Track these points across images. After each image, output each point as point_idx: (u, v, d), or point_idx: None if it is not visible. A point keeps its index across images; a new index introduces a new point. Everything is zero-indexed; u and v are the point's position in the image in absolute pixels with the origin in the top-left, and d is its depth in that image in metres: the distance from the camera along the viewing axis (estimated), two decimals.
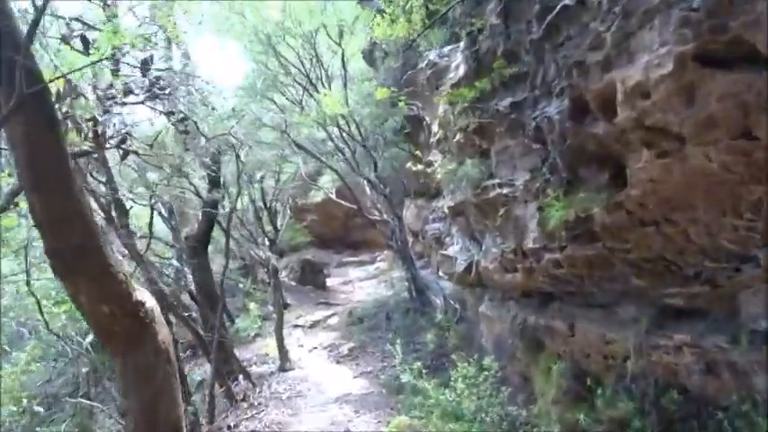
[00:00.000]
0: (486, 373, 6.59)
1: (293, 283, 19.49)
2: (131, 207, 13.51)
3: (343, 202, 12.93)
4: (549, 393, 5.77)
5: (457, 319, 9.33)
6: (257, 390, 9.88)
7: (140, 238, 13.38)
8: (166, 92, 6.11)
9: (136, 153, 6.48)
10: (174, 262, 12.85)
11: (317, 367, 11.62)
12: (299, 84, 11.03)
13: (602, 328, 5.22)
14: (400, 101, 7.10)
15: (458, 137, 5.86)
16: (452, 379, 7.53)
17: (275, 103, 11.19)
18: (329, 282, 20.65)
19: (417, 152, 7.59)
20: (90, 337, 10.84)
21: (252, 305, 14.44)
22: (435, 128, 6.58)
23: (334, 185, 14.23)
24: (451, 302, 9.70)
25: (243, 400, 9.36)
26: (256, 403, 9.21)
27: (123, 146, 5.99)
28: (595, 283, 4.94)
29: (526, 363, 6.13)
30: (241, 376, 10.13)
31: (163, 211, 12.57)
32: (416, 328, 11.80)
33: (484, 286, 6.51)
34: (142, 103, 5.85)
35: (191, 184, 9.49)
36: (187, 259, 11.22)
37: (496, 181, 5.41)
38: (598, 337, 5.23)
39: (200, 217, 10.99)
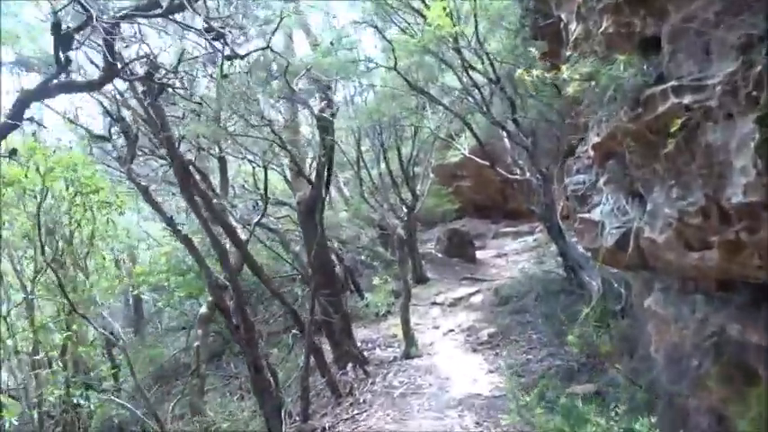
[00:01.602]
0: None
1: (439, 255, 17.77)
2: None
3: (475, 158, 10.77)
4: None
5: (621, 312, 6.82)
6: (369, 381, 8.37)
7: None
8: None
9: (170, 86, 5.10)
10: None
11: (447, 355, 9.82)
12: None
13: None
14: None
15: (605, 23, 3.55)
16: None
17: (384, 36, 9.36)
18: (481, 254, 18.57)
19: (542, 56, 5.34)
20: (203, 309, 10.25)
21: (377, 279, 13.01)
22: (573, 24, 4.25)
23: (468, 143, 12.06)
24: (615, 286, 7.20)
25: (349, 393, 7.93)
26: (362, 400, 7.70)
27: (152, 77, 4.67)
28: None
29: (722, 397, 3.70)
30: (350, 365, 8.69)
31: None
32: (569, 315, 9.41)
33: (649, 269, 4.13)
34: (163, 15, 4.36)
35: (273, 132, 8.00)
36: (300, 226, 10.05)
37: (671, 84, 3.04)
38: None
39: (317, 177, 9.61)
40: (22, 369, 8.00)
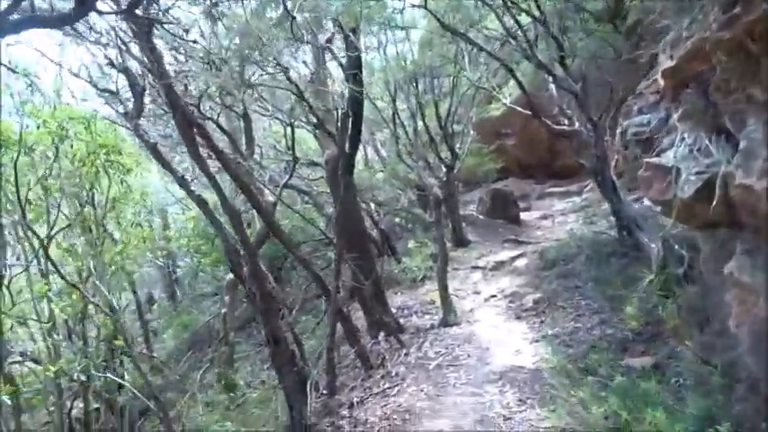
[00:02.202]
0: None
1: (480, 217, 16.94)
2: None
3: (519, 108, 9.77)
4: None
5: (685, 278, 5.89)
6: (403, 352, 7.77)
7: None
8: None
9: (158, 22, 4.44)
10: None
11: (488, 323, 9.14)
12: None
13: None
14: None
15: None
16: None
17: None
18: (526, 216, 17.64)
19: None
20: (230, 275, 9.83)
21: (412, 243, 12.34)
22: None
23: (511, 93, 10.99)
24: (677, 249, 6.26)
25: (381, 365, 7.36)
26: (394, 372, 7.11)
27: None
28: None
29: None
30: (383, 333, 8.09)
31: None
32: (623, 281, 8.55)
33: (736, 226, 3.29)
34: None
35: (289, 80, 7.20)
36: (329, 187, 9.42)
37: None
38: None
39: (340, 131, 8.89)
40: (36, 339, 7.77)
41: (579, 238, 12.17)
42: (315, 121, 7.13)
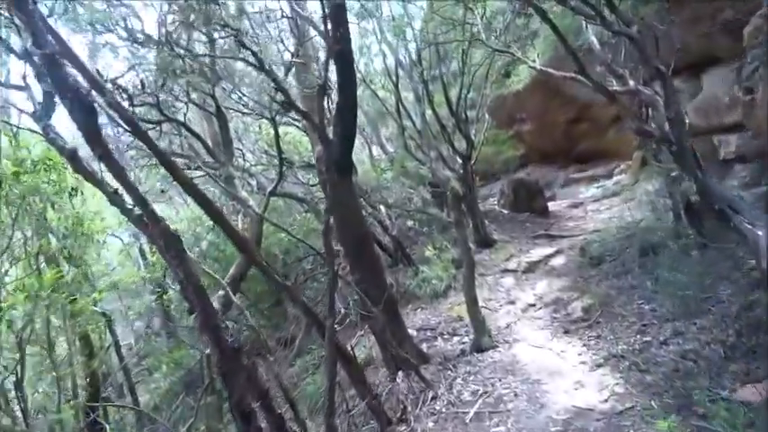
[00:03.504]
0: None
1: (504, 211, 15.17)
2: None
3: (552, 71, 7.95)
4: None
5: None
6: (429, 395, 6.06)
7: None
8: None
9: None
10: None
11: (531, 342, 7.43)
12: None
13: None
14: None
15: None
16: None
17: None
18: (552, 206, 15.86)
19: None
20: None
21: (429, 250, 10.60)
22: None
23: (535, 60, 9.16)
24: None
25: (401, 419, 5.63)
26: (419, 430, 5.38)
27: None
28: None
29: None
30: (401, 372, 6.35)
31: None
32: (696, 278, 6.81)
33: None
34: None
35: (242, 45, 5.43)
36: (326, 191, 7.75)
37: None
38: None
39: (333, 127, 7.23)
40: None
41: (625, 228, 10.42)
42: (287, 105, 5.40)
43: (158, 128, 8.43)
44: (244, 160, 10.66)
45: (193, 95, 8.80)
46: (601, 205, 14.86)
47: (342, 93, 6.67)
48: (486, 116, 13.99)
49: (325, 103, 6.09)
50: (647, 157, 9.34)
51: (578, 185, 18.96)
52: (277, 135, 7.95)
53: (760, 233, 4.38)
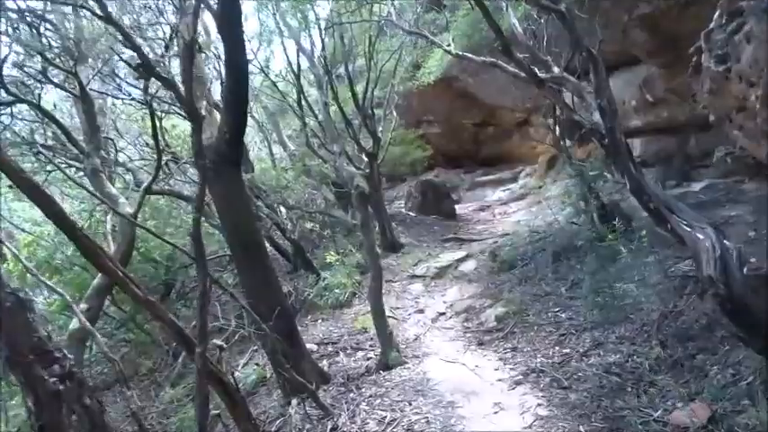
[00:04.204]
0: None
1: (411, 214, 14.56)
2: None
3: (472, 56, 7.27)
4: None
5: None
6: (328, 426, 5.14)
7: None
8: None
9: None
10: None
11: (443, 356, 6.70)
12: None
13: None
14: None
15: None
16: None
17: None
18: (460, 209, 15.48)
19: None
20: (74, 323, 6.82)
21: (331, 256, 9.67)
22: None
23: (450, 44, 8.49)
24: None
25: None
26: None
27: None
28: None
29: None
30: (295, 400, 5.37)
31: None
32: (613, 283, 6.41)
33: None
34: None
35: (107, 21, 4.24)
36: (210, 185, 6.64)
37: None
38: None
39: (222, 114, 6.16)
40: None
41: (536, 231, 10.07)
42: (144, 69, 4.30)
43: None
44: (118, 152, 9.24)
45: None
46: (508, 208, 14.67)
47: (230, 69, 5.65)
48: (395, 113, 13.30)
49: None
50: (563, 155, 8.96)
51: (485, 189, 18.86)
52: (153, 120, 6.72)
53: (700, 236, 3.86)
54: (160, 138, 10.20)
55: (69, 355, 3.49)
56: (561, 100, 5.37)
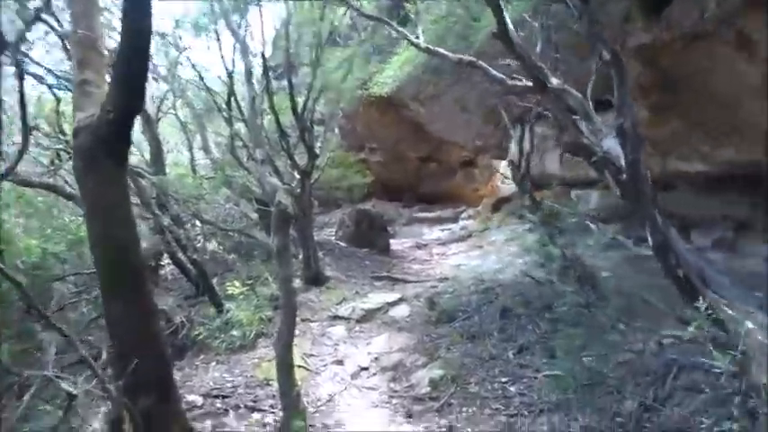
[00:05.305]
0: None
1: (341, 244, 13.11)
2: None
3: (446, 52, 6.06)
4: None
5: None
6: None
7: None
8: None
9: None
10: None
11: (361, 428, 5.26)
12: None
13: None
14: None
15: None
16: None
17: None
18: (394, 244, 14.16)
19: None
20: None
21: (235, 286, 8.03)
22: None
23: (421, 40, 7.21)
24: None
25: None
26: None
27: None
28: None
29: None
30: None
31: None
32: (576, 352, 5.21)
33: None
34: None
35: None
36: (76, 179, 4.97)
37: None
38: None
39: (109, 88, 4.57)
40: None
41: (480, 280, 8.87)
42: None
43: None
44: None
45: None
46: (447, 249, 13.50)
47: (127, 29, 4.12)
48: (336, 131, 11.95)
49: None
50: (522, 196, 7.84)
51: (422, 226, 17.72)
52: (22, 93, 5.06)
53: (750, 325, 2.66)
54: (54, 123, 8.48)
55: None
56: (567, 115, 4.09)
